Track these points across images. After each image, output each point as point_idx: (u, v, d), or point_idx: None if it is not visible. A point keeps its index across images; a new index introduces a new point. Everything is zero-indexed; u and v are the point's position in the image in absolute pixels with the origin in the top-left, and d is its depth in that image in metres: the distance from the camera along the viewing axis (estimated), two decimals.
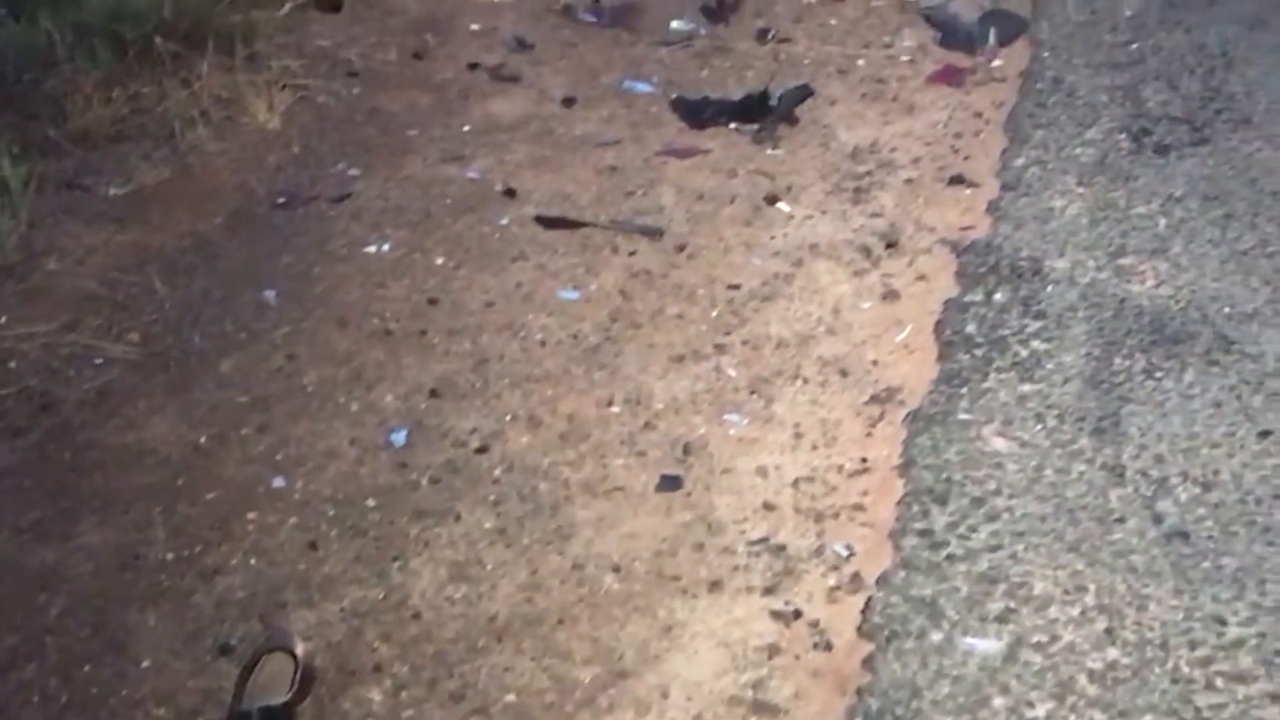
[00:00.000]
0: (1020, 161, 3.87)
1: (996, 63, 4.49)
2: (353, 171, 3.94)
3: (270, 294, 3.42)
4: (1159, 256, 3.43)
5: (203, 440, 2.97)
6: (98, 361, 3.19)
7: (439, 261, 3.54)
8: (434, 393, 3.09)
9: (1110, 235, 3.52)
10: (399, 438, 2.95)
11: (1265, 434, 2.83)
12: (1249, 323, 3.17)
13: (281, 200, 3.79)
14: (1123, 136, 3.96)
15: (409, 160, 4.00)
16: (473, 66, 4.52)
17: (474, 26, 4.80)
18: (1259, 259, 3.40)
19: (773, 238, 3.62)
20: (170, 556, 2.67)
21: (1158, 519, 2.65)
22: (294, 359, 3.20)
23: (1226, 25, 4.59)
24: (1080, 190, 3.71)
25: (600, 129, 4.16)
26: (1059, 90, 4.25)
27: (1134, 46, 4.49)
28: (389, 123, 4.21)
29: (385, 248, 3.59)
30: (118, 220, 3.70)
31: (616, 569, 2.62)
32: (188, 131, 4.02)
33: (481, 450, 2.91)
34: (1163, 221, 3.56)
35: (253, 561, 2.66)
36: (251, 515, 2.76)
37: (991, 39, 4.58)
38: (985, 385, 3.03)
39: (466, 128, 4.18)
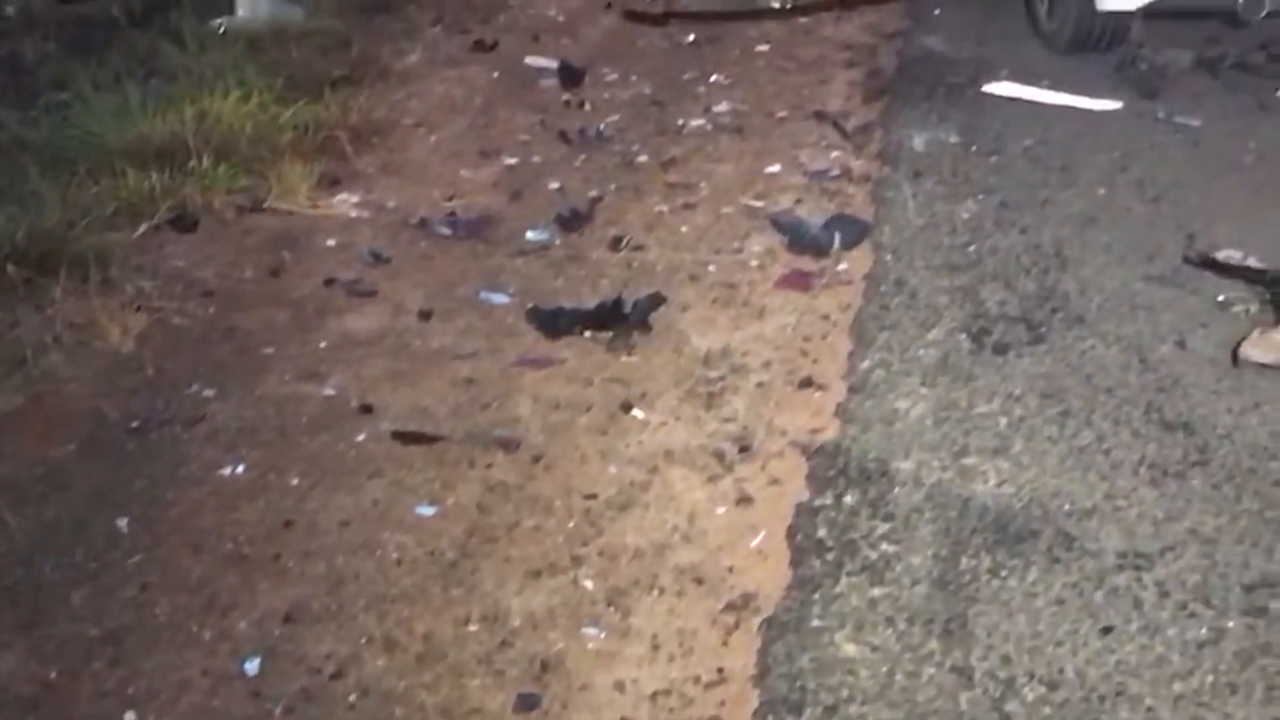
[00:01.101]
0: (866, 364, 3.98)
1: (842, 266, 4.63)
2: (207, 392, 3.94)
3: (123, 521, 3.38)
4: (1001, 455, 3.53)
5: (53, 676, 2.91)
6: None
7: (294, 482, 3.53)
8: (288, 618, 3.06)
9: (953, 435, 3.62)
10: (252, 666, 2.92)
11: (1107, 630, 2.91)
12: (1088, 519, 3.27)
13: (135, 424, 3.77)
14: (963, 337, 4.10)
15: (264, 379, 4.01)
16: (329, 282, 4.57)
17: (330, 242, 4.86)
18: (1096, 455, 3.51)
19: (628, 445, 3.67)
20: None
21: None
22: (147, 588, 3.16)
23: (1059, 225, 4.80)
24: (924, 391, 3.82)
25: (457, 341, 4.22)
26: (902, 292, 4.39)
27: (972, 248, 4.67)
28: (245, 341, 4.23)
29: (239, 469, 3.58)
30: None
31: None
32: (40, 358, 4.01)
33: (337, 676, 2.89)
34: (1003, 421, 3.67)
35: None
36: None
37: (836, 243, 4.73)
38: (837, 590, 3.08)
39: (323, 344, 4.21)
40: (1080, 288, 4.35)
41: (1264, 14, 5.92)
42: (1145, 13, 6.23)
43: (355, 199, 5.20)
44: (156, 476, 3.55)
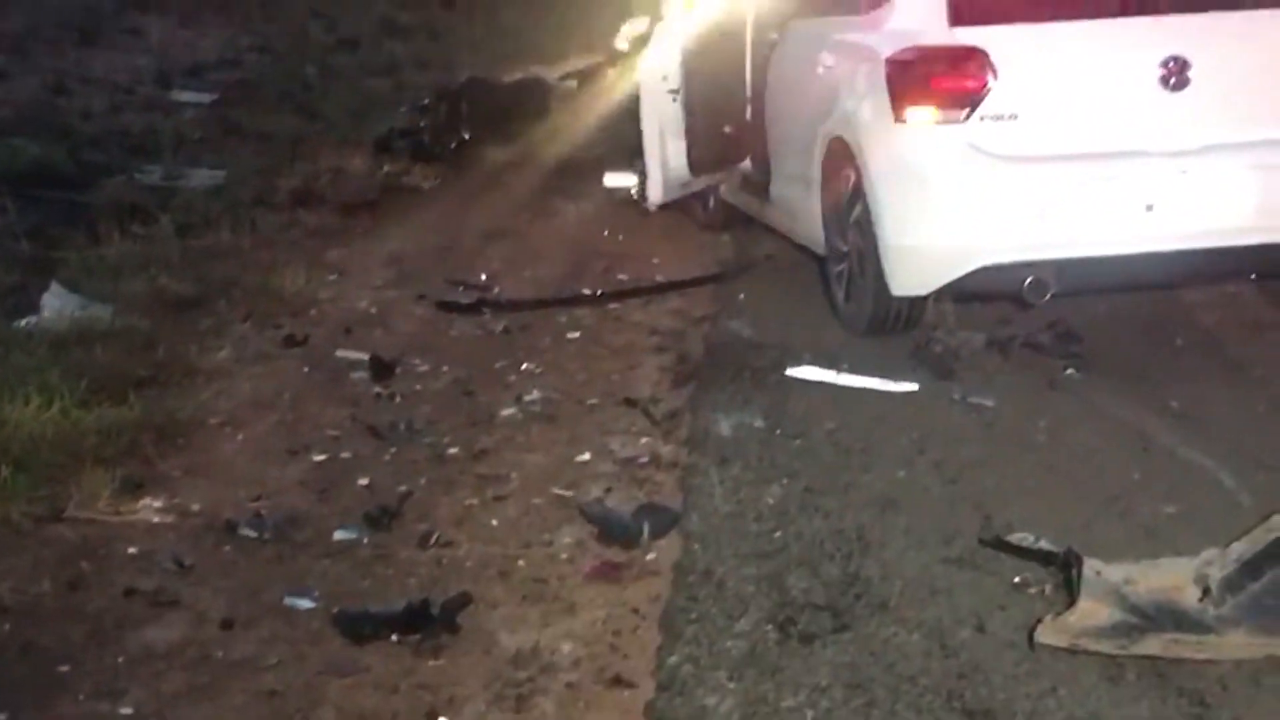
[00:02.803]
0: (674, 659, 3.98)
1: (651, 556, 4.66)
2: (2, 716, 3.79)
3: None
4: None
5: None
6: None
7: None
8: None
9: None
10: None
11: None
12: None
13: None
14: (770, 627, 4.12)
15: (59, 700, 3.87)
16: (129, 593, 4.46)
17: (132, 550, 4.76)
18: None
19: None
20: None
21: None
22: None
23: (861, 509, 4.91)
24: (732, 686, 3.82)
25: (260, 651, 4.12)
26: (709, 583, 4.42)
27: (778, 534, 4.75)
28: (40, 659, 4.08)
29: None
30: None
31: None
32: None
33: None
34: (810, 714, 3.68)
35: None
36: None
37: (646, 532, 4.76)
38: None
39: (121, 659, 4.08)
40: (882, 572, 4.43)
41: (1048, 296, 6.20)
42: (938, 295, 6.49)
43: (159, 504, 5.11)
44: None
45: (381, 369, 6.51)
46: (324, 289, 7.90)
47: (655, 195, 8.40)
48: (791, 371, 6.38)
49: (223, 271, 8.03)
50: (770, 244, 8.38)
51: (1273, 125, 6.17)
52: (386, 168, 10.93)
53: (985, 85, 6.12)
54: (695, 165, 8.37)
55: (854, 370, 6.31)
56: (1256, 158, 6.11)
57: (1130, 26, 6.29)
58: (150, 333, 6.82)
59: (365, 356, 6.65)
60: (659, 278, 8.16)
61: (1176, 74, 6.09)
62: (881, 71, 6.37)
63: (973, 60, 6.14)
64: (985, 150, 6.13)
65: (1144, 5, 6.34)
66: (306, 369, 6.62)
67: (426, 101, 12.10)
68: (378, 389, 6.35)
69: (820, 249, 7.26)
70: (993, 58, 6.11)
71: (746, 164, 8.55)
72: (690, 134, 8.28)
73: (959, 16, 6.26)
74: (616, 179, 9.24)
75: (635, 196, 8.98)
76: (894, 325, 6.66)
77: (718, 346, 6.89)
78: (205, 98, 14.18)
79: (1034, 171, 6.14)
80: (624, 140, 9.12)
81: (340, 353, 6.79)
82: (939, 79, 6.21)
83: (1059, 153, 6.15)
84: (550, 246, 8.96)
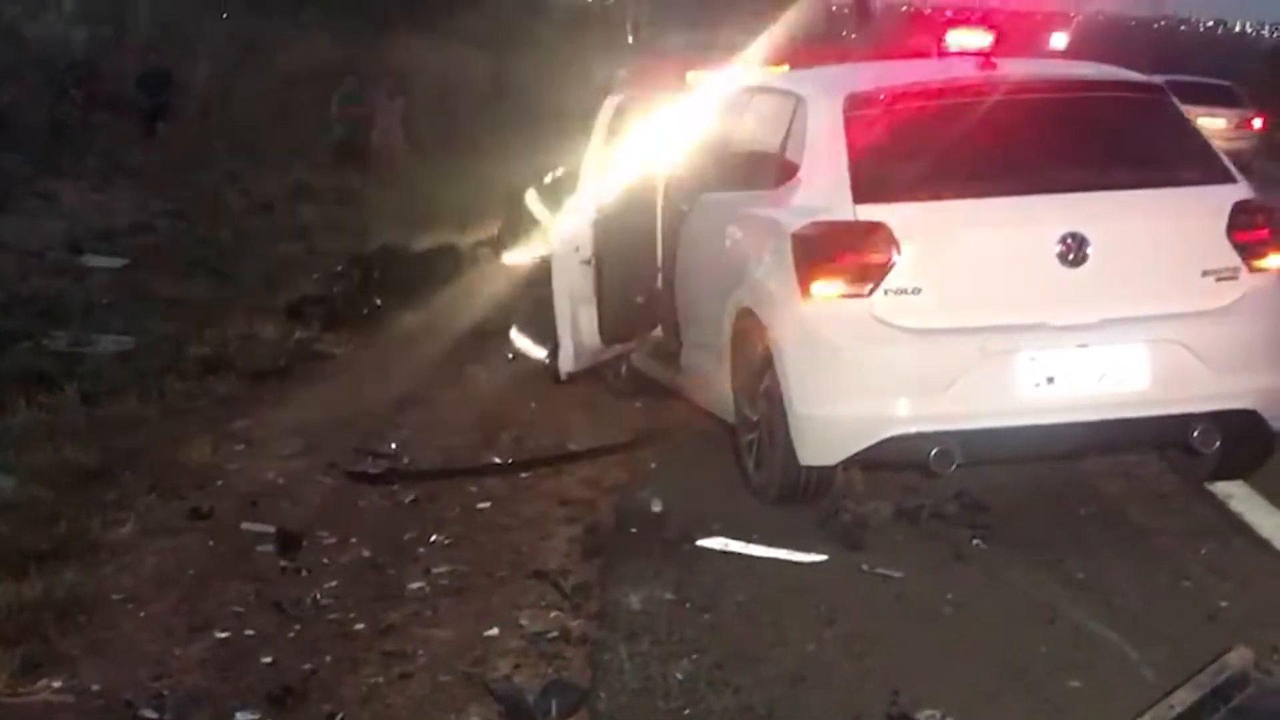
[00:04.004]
0: None
1: None
2: None
3: None
4: None
5: None
6: None
7: None
8: None
9: None
10: None
11: None
12: None
13: None
14: None
15: None
16: None
17: None
18: None
19: None
20: None
21: None
22: None
23: (770, 685, 4.89)
24: None
25: None
26: None
27: (687, 712, 4.71)
28: None
29: None
30: None
31: None
32: None
33: None
34: None
35: None
36: None
37: (553, 712, 4.71)
38: None
39: None
40: None
41: (954, 466, 6.27)
42: (847, 465, 6.55)
43: (58, 684, 4.99)
44: None
45: (288, 542, 6.43)
46: (231, 459, 7.81)
47: (567, 363, 8.43)
48: (702, 542, 6.38)
49: (129, 441, 7.94)
50: (682, 412, 8.42)
51: (1166, 300, 6.35)
52: (298, 334, 10.90)
53: (889, 260, 6.25)
54: (607, 334, 8.43)
55: (764, 540, 6.32)
56: (1151, 332, 6.27)
57: (1031, 204, 6.46)
58: (53, 505, 6.72)
59: (272, 529, 6.57)
60: (571, 446, 8.17)
61: (1075, 250, 6.25)
62: (788, 245, 6.49)
63: (877, 236, 6.28)
64: (890, 323, 6.25)
65: (1044, 184, 6.52)
66: (211, 542, 6.53)
67: (339, 268, 12.15)
68: (283, 563, 6.27)
69: (730, 418, 7.31)
70: (896, 233, 6.25)
71: (658, 332, 8.63)
72: (602, 303, 8.35)
73: (864, 193, 6.40)
74: (526, 346, 9.27)
75: (547, 364, 9.01)
76: (804, 494, 6.70)
77: (629, 516, 6.88)
78: (116, 263, 14.15)
79: (938, 344, 6.26)
80: (536, 306, 9.17)
81: (246, 525, 6.70)
82: (844, 254, 6.34)
83: (963, 326, 6.27)
84: (462, 414, 8.95)
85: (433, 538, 6.62)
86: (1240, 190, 6.58)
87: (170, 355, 10.10)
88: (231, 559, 6.34)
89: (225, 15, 31.35)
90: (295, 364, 10.15)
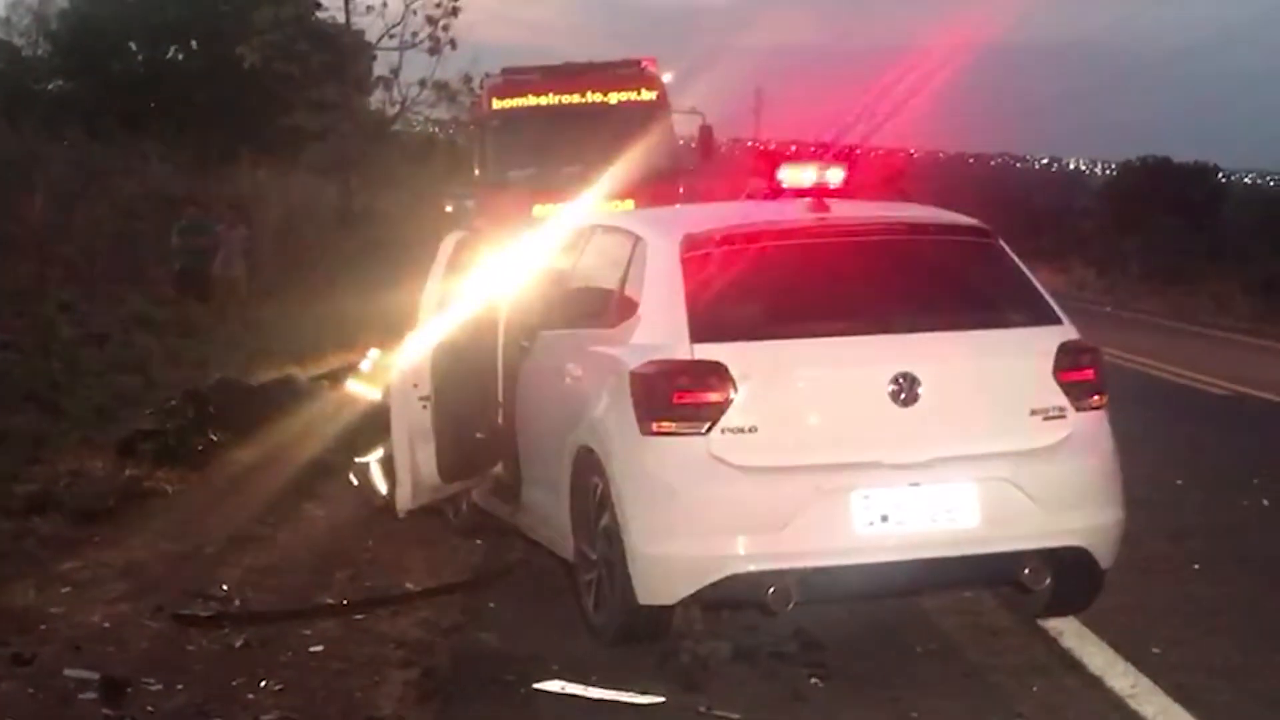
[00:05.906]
0: None
1: None
2: None
3: None
4: None
5: None
6: None
7: None
8: None
9: None
10: None
11: None
12: None
13: None
14: None
15: None
16: None
17: None
18: None
19: None
20: None
21: None
22: None
23: None
24: None
25: None
26: None
27: None
28: None
29: None
30: None
31: None
32: None
33: None
34: None
35: None
36: None
37: None
38: None
39: None
40: None
41: (792, 604, 6.28)
42: (685, 603, 6.53)
43: None
44: None
45: (112, 690, 6.21)
46: (56, 603, 7.54)
47: (405, 501, 8.32)
48: (540, 685, 6.30)
49: None
50: (522, 549, 8.36)
51: (995, 439, 6.48)
52: (129, 471, 10.61)
53: (726, 399, 6.30)
54: (446, 471, 8.35)
55: (603, 682, 6.26)
56: (981, 470, 6.39)
57: (864, 345, 6.57)
58: None
59: (96, 676, 6.34)
60: (408, 585, 8.04)
61: (907, 390, 6.36)
62: (626, 384, 6.52)
63: (714, 375, 6.33)
64: (727, 461, 6.29)
65: (877, 324, 6.64)
66: (32, 690, 6.28)
67: (174, 402, 11.89)
68: (107, 711, 6.04)
69: (570, 556, 7.27)
70: (733, 372, 6.32)
71: (499, 468, 8.58)
72: (441, 439, 8.28)
73: (701, 333, 6.46)
74: (373, 475, 9.17)
75: (384, 502, 8.90)
76: (642, 634, 6.67)
77: (466, 658, 6.78)
78: None
79: (775, 482, 6.31)
80: (375, 443, 9.07)
81: (69, 672, 6.46)
82: (681, 393, 6.38)
83: (798, 464, 6.33)
84: (297, 553, 8.77)
85: (263, 683, 6.44)
86: (1066, 331, 6.76)
87: None
88: (53, 708, 6.10)
89: (66, 143, 30.85)
90: (126, 502, 9.85)
